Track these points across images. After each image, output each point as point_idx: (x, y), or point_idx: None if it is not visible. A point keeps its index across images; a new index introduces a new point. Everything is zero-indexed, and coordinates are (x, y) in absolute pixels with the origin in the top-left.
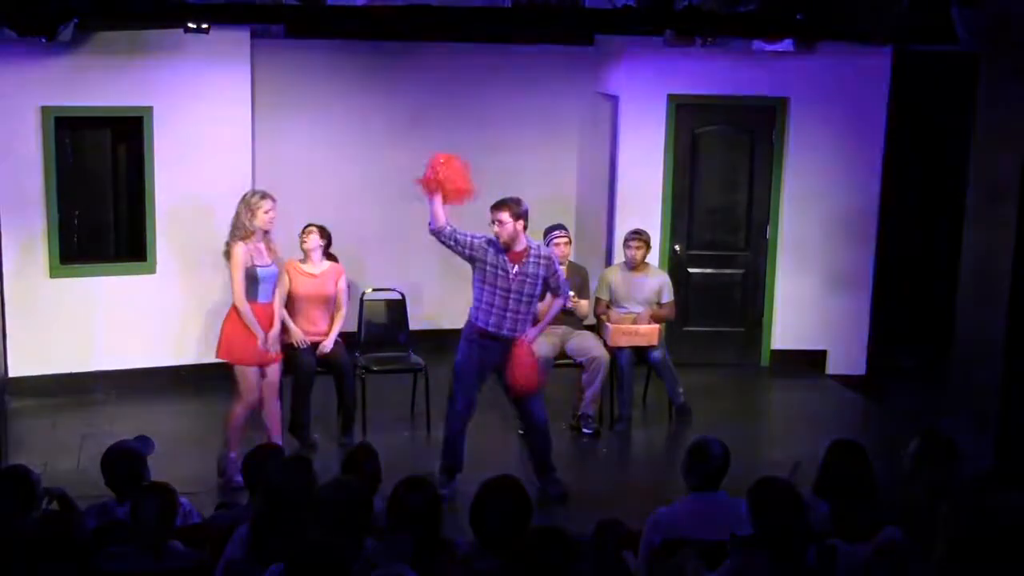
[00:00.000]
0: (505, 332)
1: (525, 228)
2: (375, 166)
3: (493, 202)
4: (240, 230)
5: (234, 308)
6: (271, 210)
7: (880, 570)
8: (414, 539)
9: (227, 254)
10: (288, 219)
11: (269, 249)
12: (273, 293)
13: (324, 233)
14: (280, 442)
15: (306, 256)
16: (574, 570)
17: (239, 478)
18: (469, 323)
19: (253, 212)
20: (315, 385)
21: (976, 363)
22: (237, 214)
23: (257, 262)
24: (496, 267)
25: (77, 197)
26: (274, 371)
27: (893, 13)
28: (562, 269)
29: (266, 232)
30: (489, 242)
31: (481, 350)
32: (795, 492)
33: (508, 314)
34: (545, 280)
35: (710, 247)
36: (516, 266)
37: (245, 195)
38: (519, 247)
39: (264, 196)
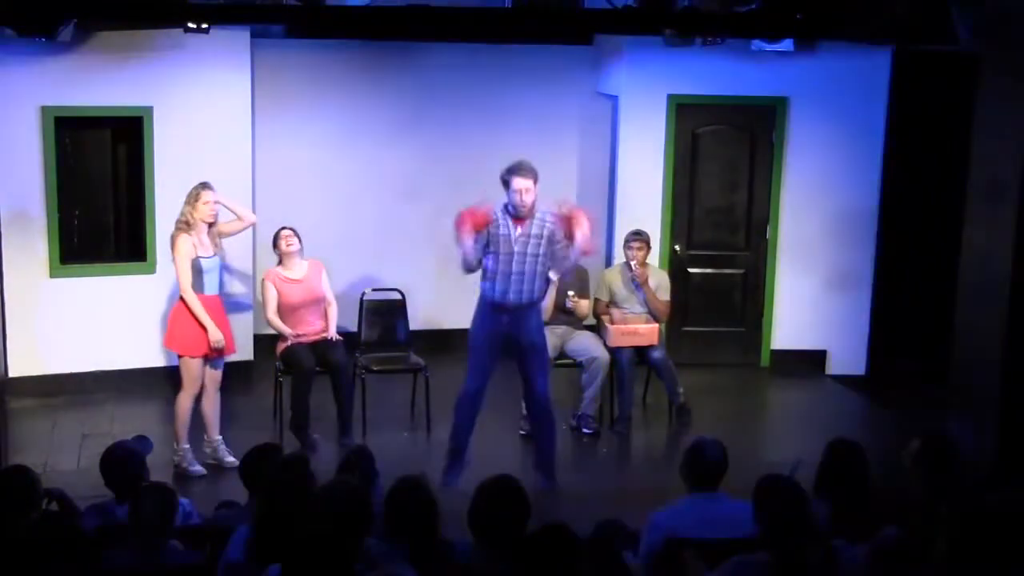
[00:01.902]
0: (511, 299)
1: None
2: (375, 166)
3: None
4: (183, 222)
5: (181, 300)
6: (210, 201)
7: (880, 570)
8: (413, 540)
9: (172, 246)
10: (288, 219)
11: (212, 242)
12: (218, 284)
13: (297, 234)
14: (217, 436)
15: (285, 260)
16: (577, 570)
17: (196, 467)
18: (480, 297)
19: (194, 205)
20: (315, 385)
21: (976, 363)
22: (182, 207)
23: (201, 253)
24: (498, 234)
25: (77, 197)
26: (219, 364)
27: (893, 13)
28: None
29: (210, 224)
30: (495, 214)
31: (492, 322)
32: (800, 489)
33: (513, 278)
34: (552, 241)
35: (710, 247)
36: (519, 228)
37: (191, 189)
38: (535, 211)
39: (206, 187)
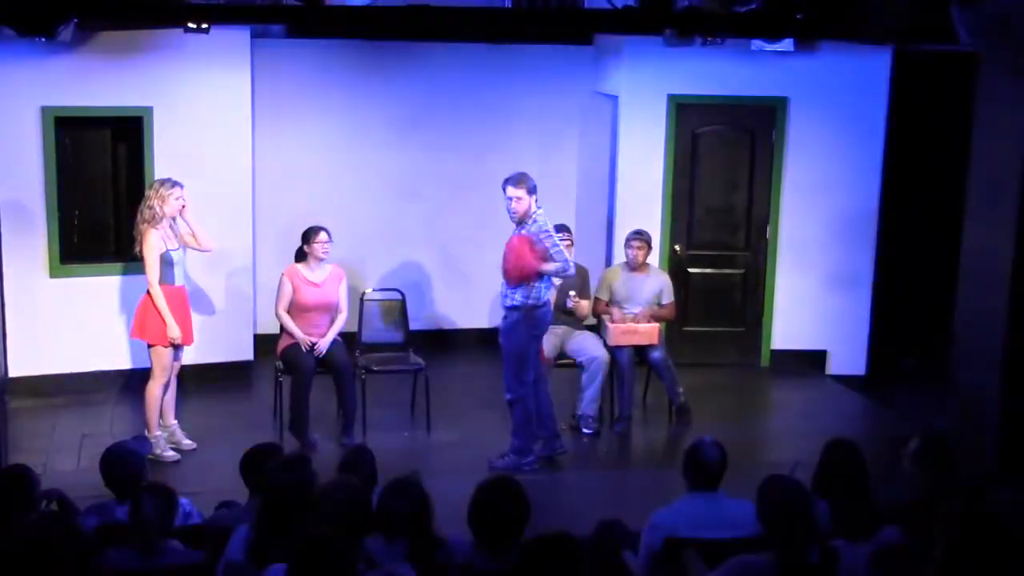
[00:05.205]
0: (501, 301)
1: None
2: (375, 166)
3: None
4: (151, 217)
5: (149, 291)
6: (180, 197)
7: (880, 570)
8: (410, 538)
9: (139, 242)
10: (288, 219)
11: (176, 233)
12: (184, 275)
13: (331, 238)
14: (173, 420)
15: (311, 260)
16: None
17: (169, 453)
18: None
19: (164, 199)
20: (315, 385)
21: (976, 363)
22: (147, 200)
23: (169, 246)
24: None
25: (77, 197)
26: (179, 355)
27: (893, 13)
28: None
29: (173, 218)
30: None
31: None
32: (804, 489)
33: (502, 281)
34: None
35: (710, 247)
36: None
37: (154, 183)
38: (527, 220)
39: (174, 184)
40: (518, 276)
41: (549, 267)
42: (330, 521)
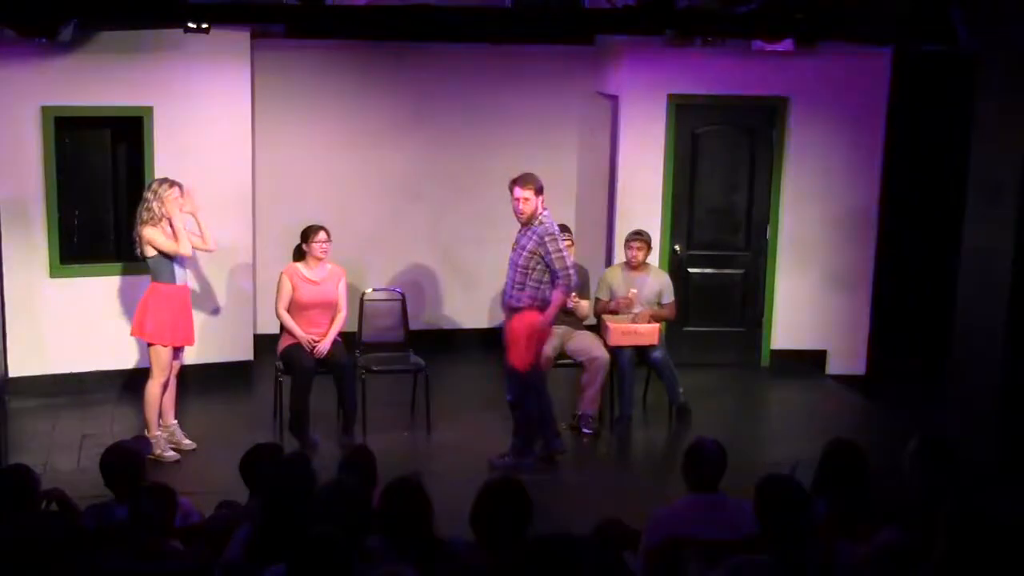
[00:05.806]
0: (505, 299)
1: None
2: (375, 166)
3: (511, 180)
4: (149, 218)
5: (151, 290)
6: (179, 196)
7: (880, 570)
8: (410, 538)
9: (139, 244)
10: (289, 218)
11: (176, 232)
12: (185, 275)
13: (330, 238)
14: (173, 420)
15: (310, 259)
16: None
17: (170, 453)
18: None
19: (163, 200)
20: (315, 385)
21: (975, 363)
22: (145, 202)
23: None
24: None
25: (77, 197)
26: (179, 355)
27: (893, 13)
28: (570, 258)
29: (177, 216)
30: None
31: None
32: (802, 489)
33: (507, 280)
34: (535, 255)
35: (710, 247)
36: (518, 235)
37: (151, 184)
38: (533, 221)
39: (172, 184)
40: (526, 356)
41: (556, 302)
42: (330, 521)
